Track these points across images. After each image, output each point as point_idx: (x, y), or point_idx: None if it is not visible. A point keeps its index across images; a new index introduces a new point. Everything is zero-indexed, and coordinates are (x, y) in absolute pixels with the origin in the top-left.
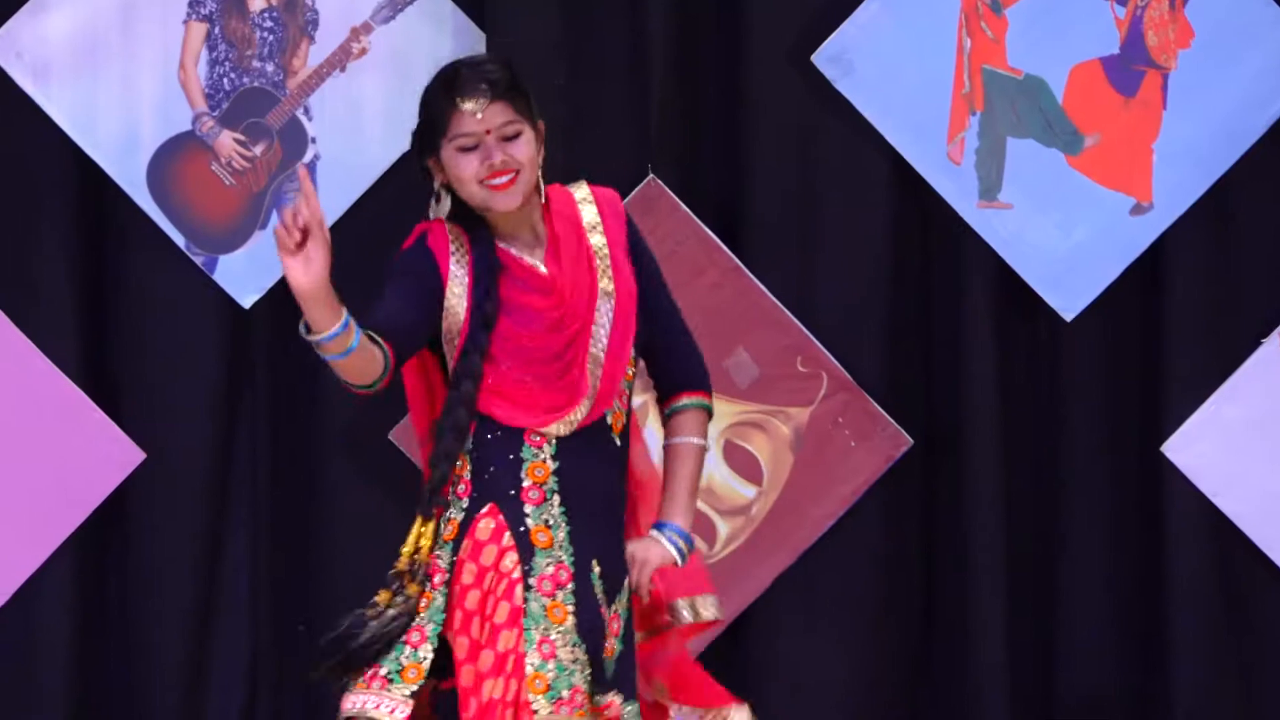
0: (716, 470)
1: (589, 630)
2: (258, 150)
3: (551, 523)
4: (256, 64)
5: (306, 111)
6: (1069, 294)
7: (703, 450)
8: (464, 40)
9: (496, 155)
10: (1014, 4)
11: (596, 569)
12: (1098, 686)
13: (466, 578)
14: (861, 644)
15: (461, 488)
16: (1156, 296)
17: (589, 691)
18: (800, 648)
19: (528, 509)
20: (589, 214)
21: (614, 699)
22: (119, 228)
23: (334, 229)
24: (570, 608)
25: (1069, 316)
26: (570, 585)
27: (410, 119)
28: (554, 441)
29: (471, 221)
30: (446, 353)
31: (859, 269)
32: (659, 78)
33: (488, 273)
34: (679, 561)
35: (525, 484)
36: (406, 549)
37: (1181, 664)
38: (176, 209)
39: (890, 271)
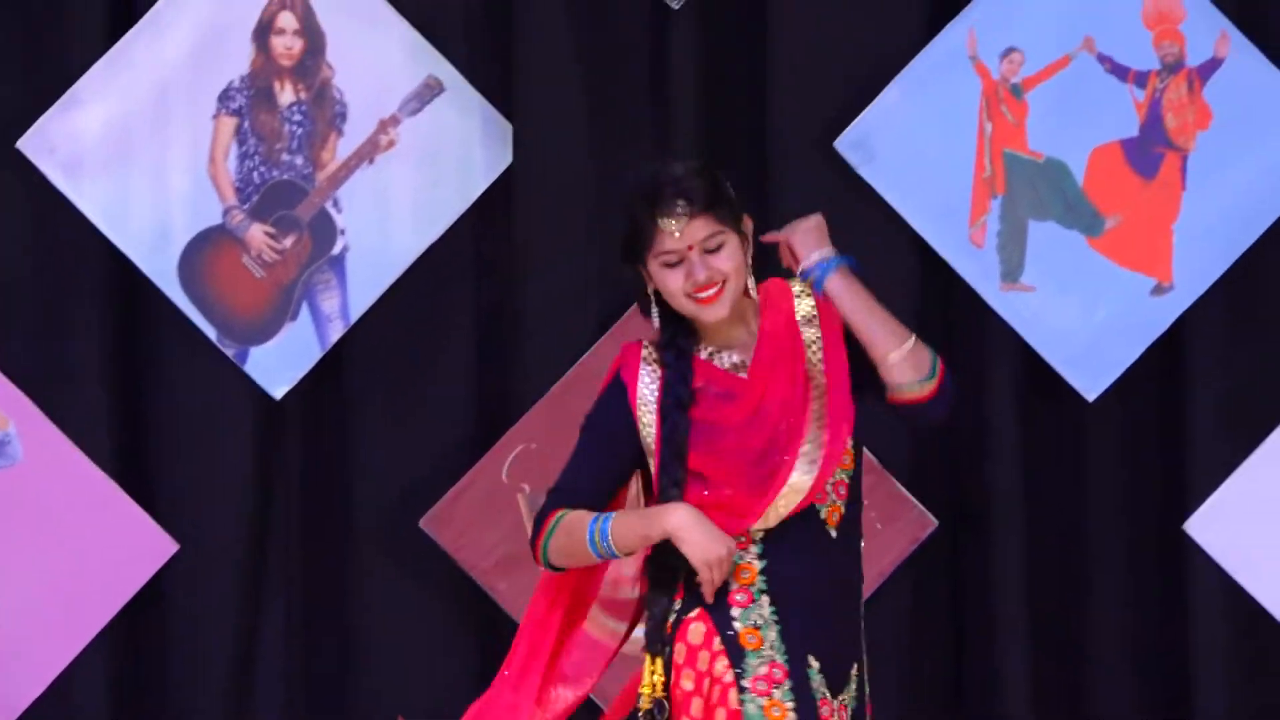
0: None
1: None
2: (288, 242)
3: (761, 624)
4: (286, 157)
5: (336, 203)
6: (1091, 374)
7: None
8: (491, 131)
9: (700, 272)
10: (1034, 88)
11: (814, 664)
12: None
13: (686, 683)
14: None
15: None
16: (1178, 375)
17: None
18: None
19: (735, 612)
20: (804, 307)
21: None
22: (151, 321)
23: (363, 320)
24: (789, 705)
25: (1091, 396)
26: (786, 682)
27: (438, 208)
28: (759, 541)
29: (684, 321)
30: (649, 463)
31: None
32: None
33: (675, 407)
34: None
35: (732, 587)
36: (644, 689)
37: None
38: (207, 301)
39: None
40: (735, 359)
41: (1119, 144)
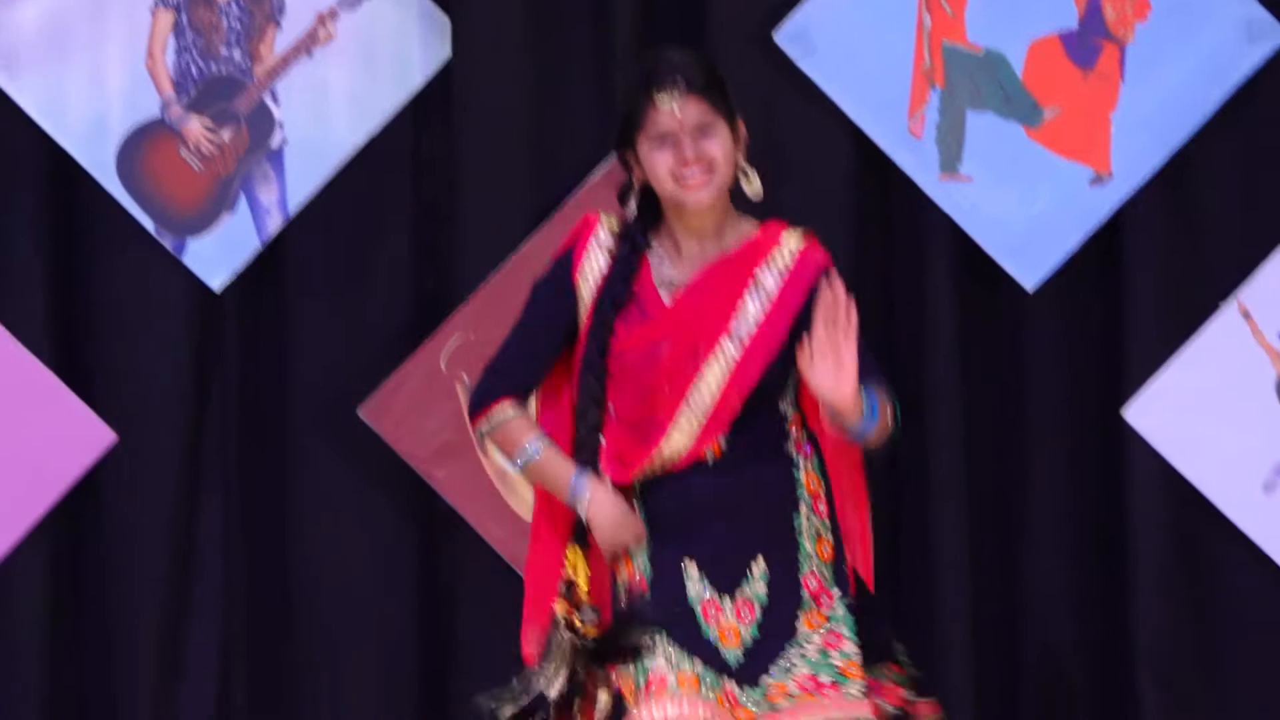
0: None
1: (670, 618)
2: (225, 135)
3: (634, 552)
4: (224, 51)
5: (274, 97)
6: (1030, 264)
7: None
8: (429, 25)
9: (689, 150)
10: None
11: (691, 568)
12: (1059, 641)
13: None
14: None
15: None
16: (1116, 265)
17: (693, 672)
18: None
19: None
20: (781, 258)
21: (731, 686)
22: (89, 213)
23: (302, 212)
24: None
25: (1030, 286)
26: (645, 592)
27: (376, 102)
28: (636, 488)
29: (655, 221)
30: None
31: (822, 243)
32: (622, 58)
33: (610, 305)
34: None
35: None
36: (577, 581)
37: (1141, 618)
38: (145, 194)
39: (853, 245)
40: (676, 276)
41: (1058, 36)
